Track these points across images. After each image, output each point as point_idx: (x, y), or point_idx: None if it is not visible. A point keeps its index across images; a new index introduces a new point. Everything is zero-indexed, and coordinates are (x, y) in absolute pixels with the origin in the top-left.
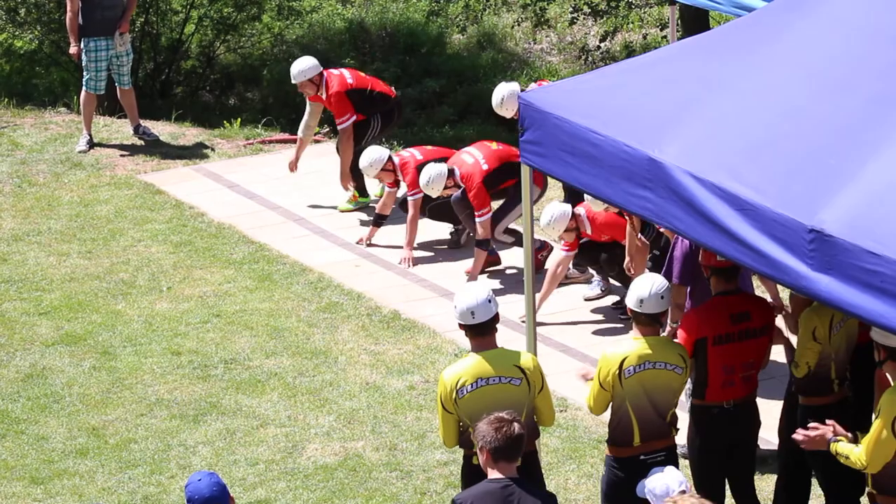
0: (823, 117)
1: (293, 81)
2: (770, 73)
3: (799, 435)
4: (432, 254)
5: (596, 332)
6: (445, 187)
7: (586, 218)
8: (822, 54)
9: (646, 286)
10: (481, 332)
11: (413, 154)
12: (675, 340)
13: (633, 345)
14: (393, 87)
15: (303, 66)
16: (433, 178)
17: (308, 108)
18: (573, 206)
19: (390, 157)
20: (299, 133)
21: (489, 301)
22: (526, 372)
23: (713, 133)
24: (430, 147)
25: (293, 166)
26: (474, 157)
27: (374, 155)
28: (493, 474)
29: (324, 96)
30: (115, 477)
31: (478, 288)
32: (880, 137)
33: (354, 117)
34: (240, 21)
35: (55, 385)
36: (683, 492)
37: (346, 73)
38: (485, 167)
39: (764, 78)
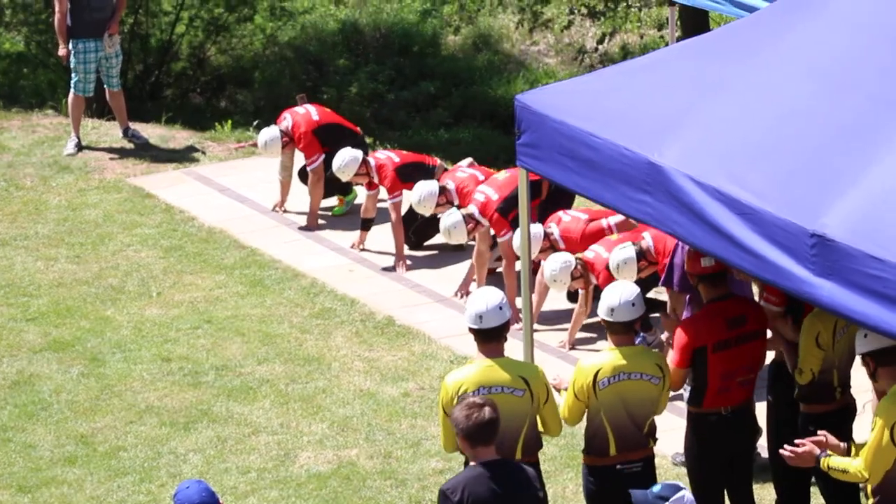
0: (825, 120)
1: (263, 153)
2: (771, 75)
3: (786, 451)
4: (427, 259)
5: (593, 338)
6: (437, 205)
7: (560, 237)
8: (824, 56)
9: (615, 295)
10: (489, 338)
11: (390, 157)
12: (652, 350)
13: (607, 356)
14: (359, 127)
15: (267, 139)
16: (424, 196)
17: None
18: (543, 222)
19: (365, 160)
20: (279, 176)
21: (500, 308)
22: (530, 383)
23: (713, 136)
24: (404, 152)
25: (281, 208)
26: (471, 172)
27: (346, 157)
28: (475, 458)
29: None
30: (104, 485)
31: (491, 293)
32: (883, 140)
33: (323, 156)
34: (231, 22)
35: (43, 392)
36: None
37: (311, 109)
38: (481, 178)
39: (764, 80)
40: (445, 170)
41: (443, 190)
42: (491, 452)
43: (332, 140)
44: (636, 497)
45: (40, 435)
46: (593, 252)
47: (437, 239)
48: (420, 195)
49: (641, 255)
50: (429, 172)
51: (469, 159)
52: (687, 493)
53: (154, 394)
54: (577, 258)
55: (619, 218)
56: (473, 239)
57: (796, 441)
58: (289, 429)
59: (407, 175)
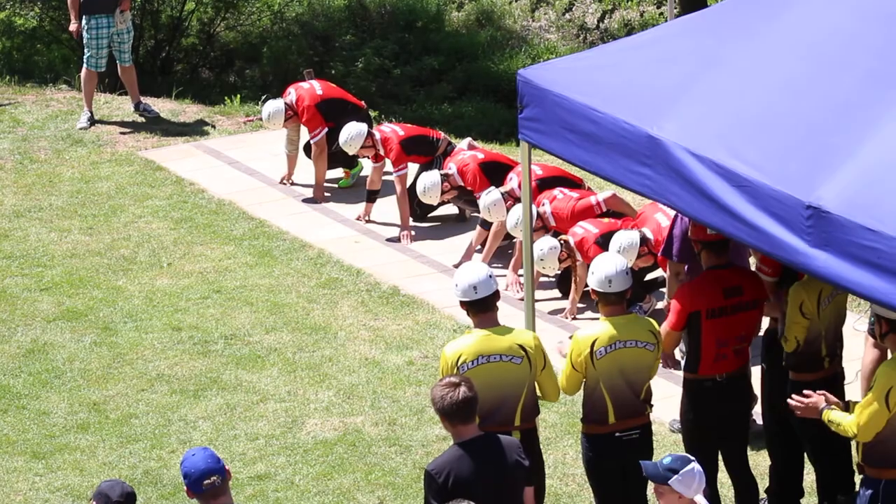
0: (822, 95)
1: (267, 126)
2: (768, 51)
3: (794, 401)
4: (431, 230)
5: (593, 308)
6: (443, 192)
7: (551, 214)
8: (821, 31)
9: (610, 266)
10: (483, 308)
11: (395, 130)
12: (645, 317)
13: (602, 326)
14: (364, 104)
15: (271, 111)
16: (428, 187)
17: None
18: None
19: (370, 133)
20: (285, 150)
21: (490, 277)
22: (528, 351)
23: (711, 110)
24: (408, 125)
25: (288, 180)
26: (471, 153)
27: (351, 131)
28: (457, 436)
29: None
30: (116, 452)
31: (478, 265)
32: (878, 115)
33: (326, 129)
34: None
35: (56, 360)
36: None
37: (315, 84)
38: (481, 156)
39: (762, 55)
40: (449, 142)
41: (446, 177)
42: (472, 429)
43: (335, 114)
44: (647, 468)
45: (54, 402)
46: (582, 228)
47: (442, 211)
48: (424, 186)
49: (643, 241)
50: (433, 145)
51: (468, 140)
52: (696, 465)
53: (165, 362)
54: (561, 241)
55: (607, 194)
56: (445, 202)
57: (804, 391)
58: (296, 396)
59: (412, 148)
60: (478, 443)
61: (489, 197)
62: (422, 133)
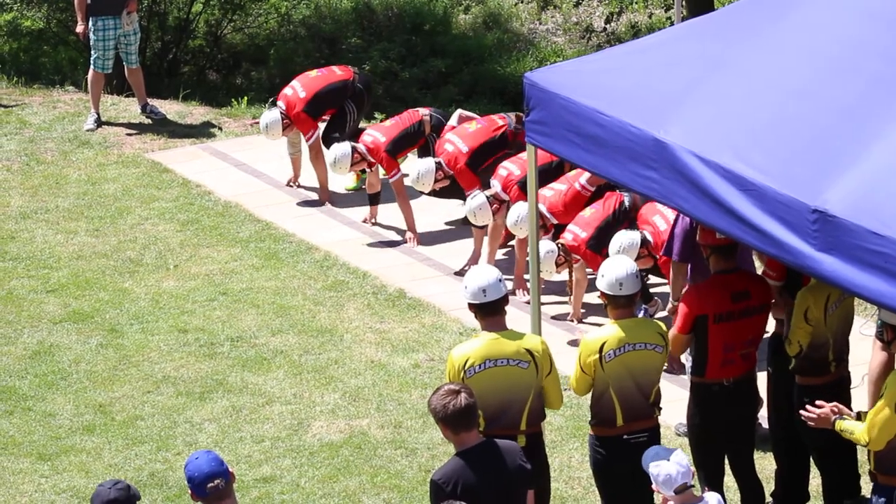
0: (828, 99)
1: (267, 137)
2: (775, 55)
3: (806, 413)
4: (438, 233)
5: (600, 311)
6: (436, 180)
7: (548, 213)
8: (828, 35)
9: (621, 268)
10: (491, 311)
11: (376, 138)
12: (653, 319)
13: (611, 329)
14: (351, 68)
15: (268, 121)
16: (422, 174)
17: None
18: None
19: (354, 149)
20: (288, 152)
21: (499, 280)
22: (534, 355)
23: (718, 114)
24: (387, 123)
25: (295, 182)
26: (454, 144)
27: (336, 153)
28: (459, 444)
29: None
30: (122, 453)
31: (488, 268)
32: (884, 119)
33: (319, 130)
34: (247, 1)
35: (62, 362)
36: (686, 484)
37: (297, 86)
38: (465, 150)
39: (769, 59)
40: (434, 116)
41: (439, 165)
42: (474, 436)
43: (322, 109)
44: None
45: (60, 404)
46: (571, 233)
47: (449, 215)
48: (418, 172)
49: (644, 243)
50: (418, 131)
51: (458, 112)
52: (664, 466)
53: (171, 364)
54: (558, 244)
55: (588, 175)
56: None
57: (817, 402)
58: (302, 399)
59: (399, 147)
60: (480, 450)
61: (474, 201)
62: (402, 129)
